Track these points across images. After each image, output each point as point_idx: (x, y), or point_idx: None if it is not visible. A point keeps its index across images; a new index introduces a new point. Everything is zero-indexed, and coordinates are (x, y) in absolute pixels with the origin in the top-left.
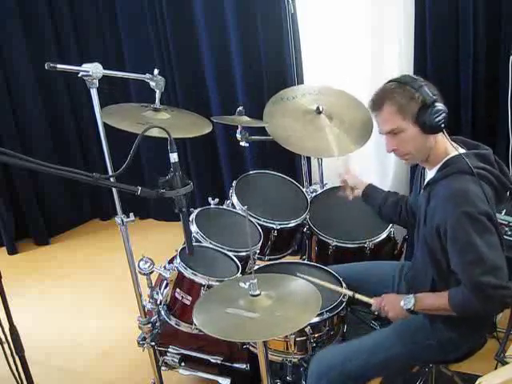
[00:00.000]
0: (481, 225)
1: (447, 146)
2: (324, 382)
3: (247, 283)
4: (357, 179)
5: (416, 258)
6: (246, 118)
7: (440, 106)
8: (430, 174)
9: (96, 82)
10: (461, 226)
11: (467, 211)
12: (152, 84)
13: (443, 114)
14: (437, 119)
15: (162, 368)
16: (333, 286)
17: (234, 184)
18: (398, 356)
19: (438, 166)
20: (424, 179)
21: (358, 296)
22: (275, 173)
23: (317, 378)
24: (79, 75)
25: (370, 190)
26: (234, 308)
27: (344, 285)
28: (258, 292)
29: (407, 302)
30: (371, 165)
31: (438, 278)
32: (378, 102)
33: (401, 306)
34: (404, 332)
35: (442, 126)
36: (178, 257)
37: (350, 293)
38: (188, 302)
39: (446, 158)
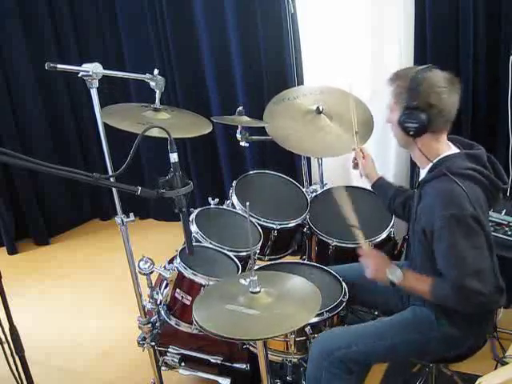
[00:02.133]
0: (466, 227)
1: (440, 147)
2: (326, 362)
3: (247, 280)
4: (371, 169)
5: (413, 255)
6: (246, 118)
7: (418, 116)
8: (422, 173)
9: (96, 81)
10: (446, 227)
11: (453, 213)
12: (152, 84)
13: (414, 125)
14: (406, 124)
15: (162, 368)
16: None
17: (233, 184)
18: (402, 345)
19: (429, 167)
20: (419, 178)
21: (358, 233)
22: (275, 173)
23: (319, 358)
24: (79, 75)
25: (381, 185)
26: (234, 305)
27: (344, 285)
28: (257, 289)
29: (393, 275)
30: None
31: (436, 276)
32: (395, 76)
33: (385, 274)
34: (409, 322)
35: (411, 133)
36: (178, 257)
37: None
38: (188, 302)
39: (436, 159)
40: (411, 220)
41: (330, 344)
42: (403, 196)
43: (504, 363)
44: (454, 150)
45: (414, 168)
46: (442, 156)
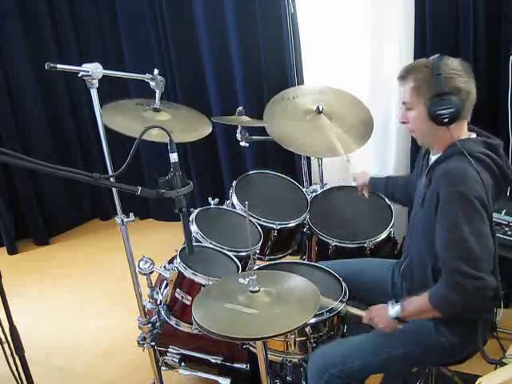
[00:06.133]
0: (472, 208)
1: (461, 135)
2: (323, 380)
3: (247, 279)
4: (366, 176)
5: (411, 248)
6: (246, 118)
7: (450, 101)
8: (433, 158)
9: (96, 82)
10: (452, 204)
11: (461, 191)
12: (152, 84)
13: (450, 110)
14: (439, 112)
15: (162, 368)
16: (324, 299)
17: (233, 184)
18: (399, 357)
19: (443, 150)
20: (428, 164)
21: (349, 309)
22: (275, 173)
23: (316, 375)
24: (79, 75)
25: (372, 184)
26: (233, 304)
27: (344, 285)
28: (257, 288)
29: (393, 311)
30: (371, 162)
31: (436, 268)
32: (406, 72)
33: (389, 316)
34: (407, 333)
35: (445, 120)
36: (177, 257)
37: (341, 306)
38: (188, 302)
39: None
40: (414, 206)
41: (324, 361)
42: (402, 182)
43: (502, 364)
44: (472, 136)
45: (413, 166)
46: (457, 139)
